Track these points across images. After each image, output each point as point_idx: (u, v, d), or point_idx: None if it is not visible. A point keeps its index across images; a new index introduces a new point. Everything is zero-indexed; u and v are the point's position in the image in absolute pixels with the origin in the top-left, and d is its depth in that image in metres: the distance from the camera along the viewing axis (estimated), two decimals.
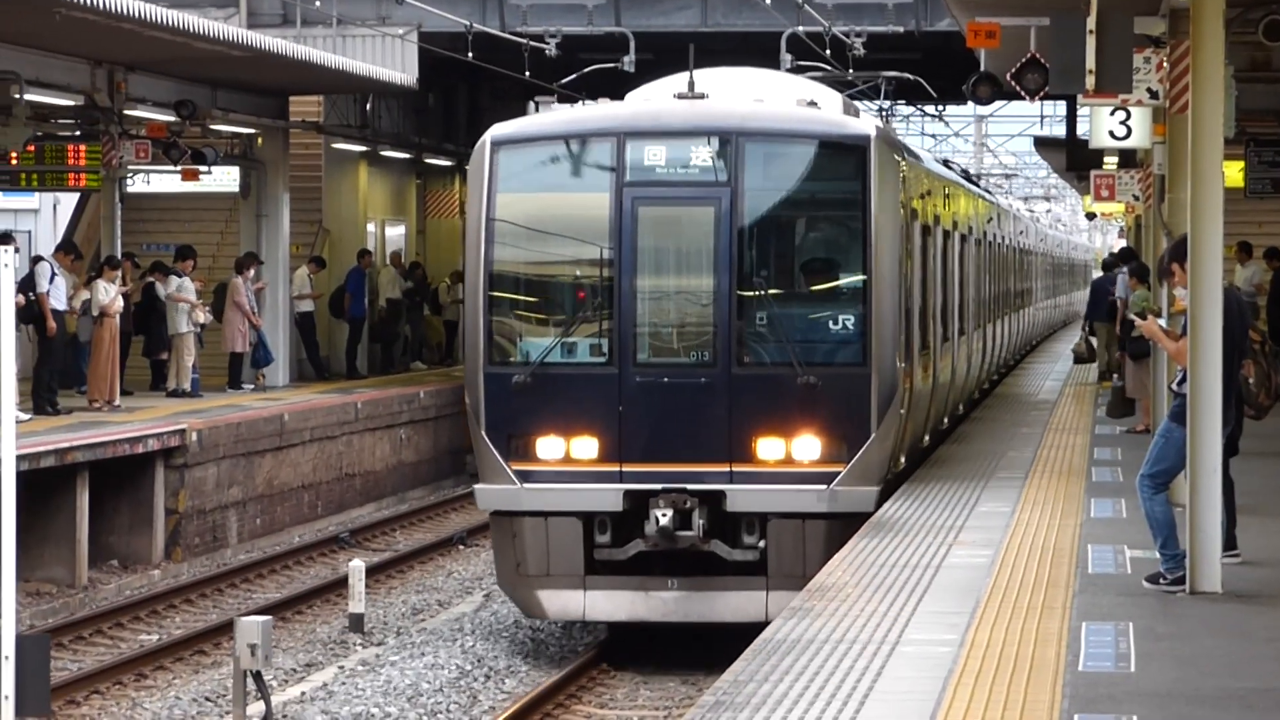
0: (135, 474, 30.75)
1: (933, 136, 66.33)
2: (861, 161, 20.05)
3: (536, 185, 20.70)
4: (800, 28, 40.99)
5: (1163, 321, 20.10)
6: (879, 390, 19.74)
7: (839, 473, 19.73)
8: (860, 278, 19.94)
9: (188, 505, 31.62)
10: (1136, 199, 35.31)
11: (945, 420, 29.12)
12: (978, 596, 16.55)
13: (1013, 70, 25.41)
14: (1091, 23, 21.32)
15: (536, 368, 19.92)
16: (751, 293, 19.82)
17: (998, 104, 46.27)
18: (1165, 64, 21.65)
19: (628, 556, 19.89)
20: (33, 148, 35.95)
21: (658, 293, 20.10)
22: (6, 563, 17.08)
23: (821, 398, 19.59)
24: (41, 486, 27.12)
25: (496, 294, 20.21)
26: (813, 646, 14.79)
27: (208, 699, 22.28)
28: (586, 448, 19.84)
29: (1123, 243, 43.55)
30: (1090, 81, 22.96)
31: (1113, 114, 23.69)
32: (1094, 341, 43.36)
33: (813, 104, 22.57)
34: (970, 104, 53.67)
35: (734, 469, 19.72)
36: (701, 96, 21.82)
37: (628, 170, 20.03)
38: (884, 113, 45.14)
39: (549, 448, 19.93)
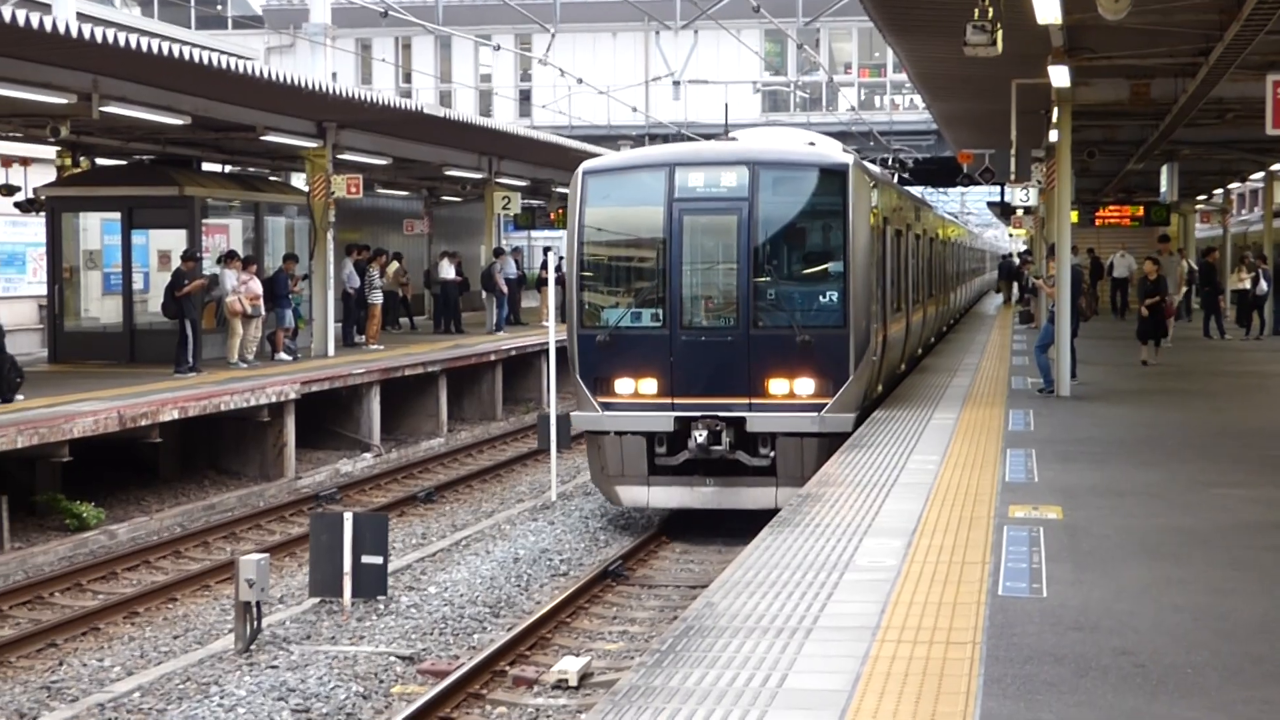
0: None
1: (939, 200, 64.44)
2: (843, 182, 14.13)
3: (613, 201, 14.58)
4: (887, 155, 40.26)
5: (1043, 280, 19.88)
6: (855, 345, 14.06)
7: (826, 404, 13.90)
8: (841, 265, 14.08)
9: None
10: (1032, 228, 34.60)
11: (921, 349, 22.40)
12: (964, 396, 16.31)
13: (979, 171, 25.13)
14: (1013, 151, 21.07)
15: (614, 330, 14.28)
16: (764, 277, 14.11)
17: (972, 186, 45.48)
18: (1045, 168, 21.31)
19: (678, 463, 14.21)
20: (562, 210, 36.76)
21: (697, 277, 14.34)
22: (552, 382, 17.59)
23: (814, 351, 13.94)
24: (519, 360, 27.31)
25: (587, 278, 14.53)
26: (820, 506, 14.29)
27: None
28: (648, 386, 14.22)
29: (1026, 246, 42.76)
30: (1012, 177, 22.67)
31: (1022, 191, 23.26)
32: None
33: (811, 144, 16.32)
34: (958, 186, 52.70)
35: (752, 401, 13.99)
36: (732, 139, 16.65)
37: (676, 190, 14.25)
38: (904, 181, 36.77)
39: (622, 386, 14.25)
